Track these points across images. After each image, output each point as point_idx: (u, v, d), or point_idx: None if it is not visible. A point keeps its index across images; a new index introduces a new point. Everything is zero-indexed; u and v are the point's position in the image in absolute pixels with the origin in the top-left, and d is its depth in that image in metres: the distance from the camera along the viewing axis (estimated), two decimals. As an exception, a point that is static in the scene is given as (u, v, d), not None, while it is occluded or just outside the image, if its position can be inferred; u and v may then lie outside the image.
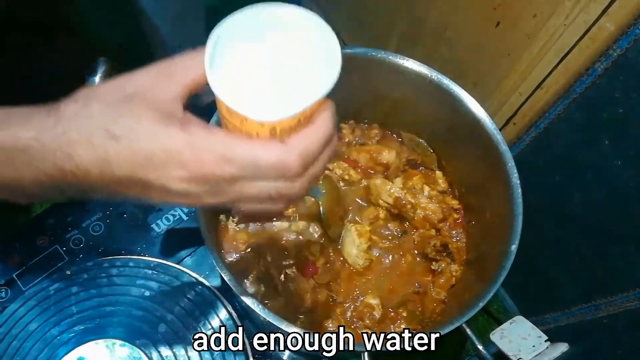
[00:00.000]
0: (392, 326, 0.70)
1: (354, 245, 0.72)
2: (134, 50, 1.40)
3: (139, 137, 0.35)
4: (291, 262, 0.72)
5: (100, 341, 0.69)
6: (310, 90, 0.34)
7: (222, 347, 0.70)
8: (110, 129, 0.35)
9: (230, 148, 0.35)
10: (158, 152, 0.35)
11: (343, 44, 1.26)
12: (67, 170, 0.36)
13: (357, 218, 0.77)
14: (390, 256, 0.75)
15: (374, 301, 0.70)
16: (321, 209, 0.73)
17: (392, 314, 0.71)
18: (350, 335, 0.69)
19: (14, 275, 0.75)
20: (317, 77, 0.35)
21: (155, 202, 0.39)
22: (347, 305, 0.71)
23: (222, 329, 0.71)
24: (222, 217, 0.74)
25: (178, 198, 0.38)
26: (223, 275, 0.59)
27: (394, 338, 0.69)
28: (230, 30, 0.35)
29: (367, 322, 0.69)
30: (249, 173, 0.36)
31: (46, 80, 1.18)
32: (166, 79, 0.37)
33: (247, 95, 0.34)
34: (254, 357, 0.71)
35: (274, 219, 0.75)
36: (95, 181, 0.37)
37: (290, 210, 0.76)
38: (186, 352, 0.69)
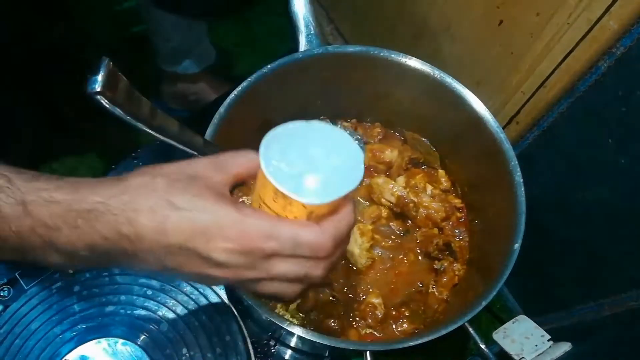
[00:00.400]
0: (394, 325, 0.70)
1: (356, 244, 0.72)
2: (134, 48, 1.41)
3: (197, 210, 0.40)
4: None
5: (102, 340, 0.69)
6: (341, 183, 0.41)
7: (223, 346, 0.69)
8: (173, 200, 0.40)
9: (276, 225, 0.41)
10: (212, 225, 0.40)
11: (345, 42, 1.26)
12: (124, 234, 0.40)
13: (359, 217, 0.77)
14: (393, 255, 0.75)
15: (376, 300, 0.70)
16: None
17: (394, 313, 0.70)
18: (352, 335, 0.68)
19: (16, 274, 0.75)
20: (345, 174, 0.42)
21: (188, 276, 0.43)
22: (349, 304, 0.71)
23: (224, 327, 0.71)
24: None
25: (215, 269, 0.42)
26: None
27: (396, 337, 0.70)
28: (277, 136, 0.43)
29: (370, 321, 0.69)
30: (287, 249, 0.41)
31: (49, 80, 1.18)
32: (219, 168, 0.44)
33: (291, 185, 0.41)
34: (255, 357, 0.71)
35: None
36: (146, 248, 0.40)
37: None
38: (188, 350, 0.69)
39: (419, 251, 0.75)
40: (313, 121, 0.44)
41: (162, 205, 0.40)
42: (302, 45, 0.74)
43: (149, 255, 0.41)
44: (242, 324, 0.72)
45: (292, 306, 0.70)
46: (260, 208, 0.44)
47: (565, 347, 0.67)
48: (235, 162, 0.45)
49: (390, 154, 0.80)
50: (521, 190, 0.66)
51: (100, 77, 0.43)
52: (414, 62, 0.73)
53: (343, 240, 0.44)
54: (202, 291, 0.74)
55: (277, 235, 0.41)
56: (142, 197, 0.40)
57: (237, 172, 0.45)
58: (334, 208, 0.43)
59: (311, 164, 0.42)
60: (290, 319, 0.69)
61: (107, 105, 0.44)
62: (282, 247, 0.41)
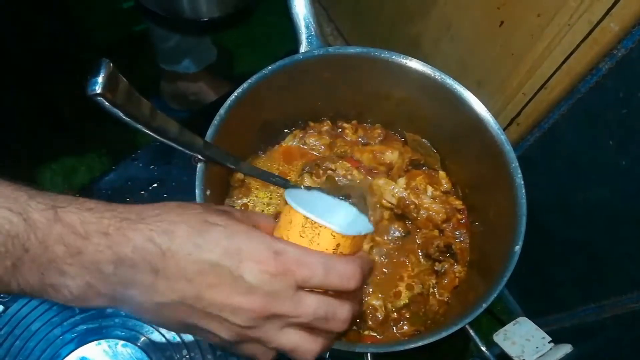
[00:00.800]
0: (395, 327, 0.70)
1: (356, 245, 0.71)
2: (134, 46, 1.41)
3: (233, 229, 0.40)
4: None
5: (103, 341, 0.69)
6: (359, 227, 0.44)
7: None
8: (209, 220, 0.40)
9: (307, 252, 0.41)
10: (246, 245, 0.40)
11: (345, 42, 1.26)
12: (157, 243, 0.39)
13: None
14: (393, 257, 0.74)
15: (376, 302, 0.69)
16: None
17: (395, 315, 0.70)
18: (353, 337, 0.68)
19: (16, 275, 0.75)
20: (357, 224, 0.46)
21: (210, 307, 0.40)
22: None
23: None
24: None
25: (242, 297, 0.39)
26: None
27: (397, 339, 0.69)
28: (295, 193, 0.47)
29: (370, 323, 0.69)
30: (319, 275, 0.41)
31: (49, 80, 1.18)
32: (244, 214, 0.46)
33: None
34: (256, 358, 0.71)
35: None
36: (176, 263, 0.39)
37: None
38: (188, 352, 0.69)
39: (419, 253, 0.75)
40: (320, 192, 0.49)
41: (198, 221, 0.40)
42: (303, 46, 0.74)
43: (177, 273, 0.39)
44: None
45: None
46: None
47: (566, 348, 0.67)
48: (256, 216, 0.47)
49: (390, 155, 0.80)
50: (522, 192, 0.66)
51: (100, 79, 0.43)
52: (414, 64, 0.73)
53: (366, 276, 0.44)
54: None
55: (308, 262, 0.41)
56: (178, 214, 0.41)
57: (257, 222, 0.46)
58: (355, 249, 0.45)
59: (328, 214, 0.45)
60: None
61: (107, 107, 0.44)
62: (313, 273, 0.40)
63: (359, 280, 0.42)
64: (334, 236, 0.42)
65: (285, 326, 0.41)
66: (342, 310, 0.43)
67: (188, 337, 0.70)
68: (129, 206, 0.41)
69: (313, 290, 0.42)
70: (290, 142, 0.82)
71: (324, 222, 0.42)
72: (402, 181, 0.77)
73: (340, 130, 0.84)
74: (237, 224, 0.41)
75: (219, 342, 0.42)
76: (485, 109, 0.70)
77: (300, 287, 0.41)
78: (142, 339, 0.69)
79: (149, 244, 0.39)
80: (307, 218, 0.42)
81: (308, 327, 0.42)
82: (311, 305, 0.41)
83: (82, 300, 0.39)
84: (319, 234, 0.42)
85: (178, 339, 0.70)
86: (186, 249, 0.39)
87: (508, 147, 0.68)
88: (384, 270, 0.73)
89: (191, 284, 0.39)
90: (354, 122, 0.85)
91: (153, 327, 0.71)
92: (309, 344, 0.42)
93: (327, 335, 0.44)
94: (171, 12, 0.86)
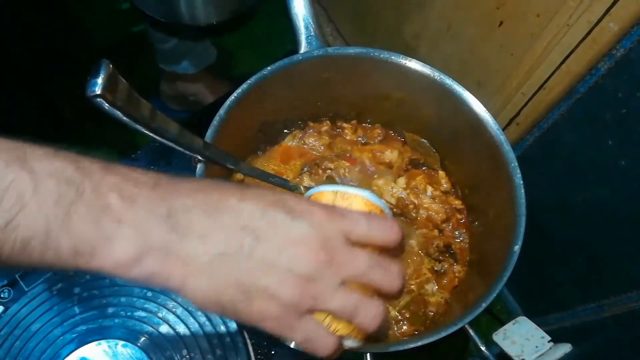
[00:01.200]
0: (395, 327, 0.70)
1: (356, 245, 0.71)
2: (134, 47, 1.41)
3: (267, 191, 0.42)
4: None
5: (103, 342, 0.69)
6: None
7: (223, 348, 0.69)
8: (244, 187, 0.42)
9: (348, 209, 0.43)
10: (292, 200, 0.41)
11: (344, 42, 1.26)
12: (208, 192, 0.40)
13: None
14: (393, 257, 0.75)
15: (376, 302, 0.69)
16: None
17: (394, 315, 0.70)
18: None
19: (16, 276, 0.75)
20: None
21: (269, 255, 0.39)
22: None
23: (224, 328, 0.71)
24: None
25: (298, 238, 0.39)
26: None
27: (396, 338, 0.70)
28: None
29: (370, 323, 0.69)
30: (362, 227, 0.41)
31: (49, 80, 1.18)
32: None
33: None
34: (255, 359, 0.71)
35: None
36: (231, 214, 0.39)
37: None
38: (188, 352, 0.69)
39: (419, 253, 0.75)
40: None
41: (237, 186, 0.42)
42: (302, 46, 0.74)
43: (232, 220, 0.39)
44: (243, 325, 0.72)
45: None
46: None
47: (565, 348, 0.67)
48: None
49: (390, 155, 0.80)
50: (521, 192, 0.66)
51: (100, 80, 0.43)
52: (414, 64, 0.73)
53: (404, 242, 0.45)
54: (202, 293, 0.74)
55: (351, 214, 0.42)
56: (216, 182, 0.42)
57: None
58: None
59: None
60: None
61: (106, 108, 0.44)
62: (357, 223, 0.41)
63: (399, 234, 0.43)
64: (366, 204, 0.44)
65: (342, 282, 0.40)
66: (392, 264, 0.42)
67: (187, 337, 0.70)
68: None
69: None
70: (290, 142, 0.82)
71: (355, 191, 0.44)
72: (401, 181, 0.77)
73: (339, 130, 0.84)
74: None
75: (276, 313, 0.39)
76: (485, 109, 0.70)
77: (348, 237, 0.41)
78: (142, 339, 0.69)
79: (201, 193, 0.40)
80: (336, 193, 0.44)
81: (363, 286, 0.42)
82: (363, 254, 0.41)
83: (134, 259, 0.37)
84: (351, 203, 0.44)
85: (178, 339, 0.70)
86: (236, 197, 0.40)
87: (507, 147, 0.68)
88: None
89: (247, 230, 0.39)
90: (354, 122, 0.85)
91: (153, 327, 0.71)
92: (368, 305, 0.41)
93: (382, 297, 0.43)
94: (169, 17, 0.86)
